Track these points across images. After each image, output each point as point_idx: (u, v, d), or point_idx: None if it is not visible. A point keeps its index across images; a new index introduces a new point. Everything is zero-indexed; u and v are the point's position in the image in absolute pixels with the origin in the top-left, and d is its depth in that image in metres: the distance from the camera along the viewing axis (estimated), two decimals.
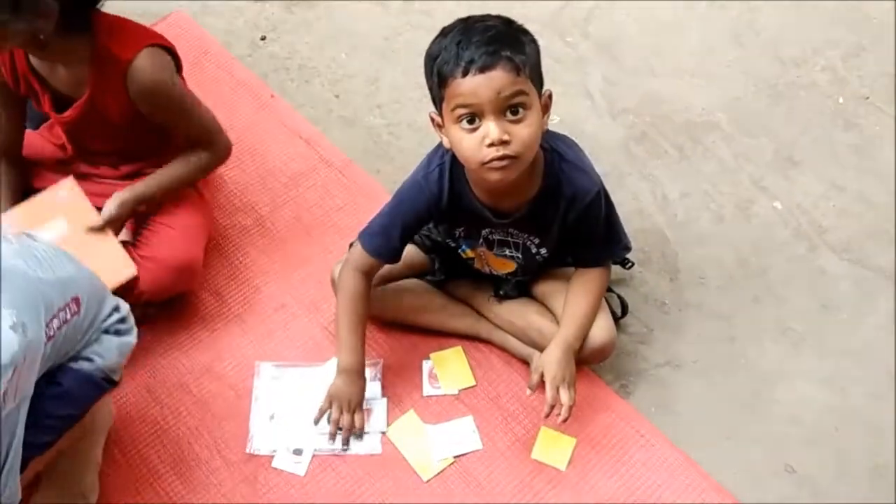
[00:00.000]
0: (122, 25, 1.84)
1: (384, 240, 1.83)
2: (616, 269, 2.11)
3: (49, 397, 1.49)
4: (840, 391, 2.00)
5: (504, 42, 1.53)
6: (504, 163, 1.57)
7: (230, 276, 2.16)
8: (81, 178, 1.98)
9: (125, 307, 1.66)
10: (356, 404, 1.88)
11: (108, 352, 1.60)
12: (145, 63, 1.81)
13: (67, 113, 1.89)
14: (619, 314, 2.04)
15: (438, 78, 1.58)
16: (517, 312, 1.96)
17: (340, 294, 1.88)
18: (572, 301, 1.86)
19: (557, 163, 1.73)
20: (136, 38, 1.84)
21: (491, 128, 1.54)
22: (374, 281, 1.92)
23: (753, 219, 2.29)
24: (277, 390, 1.97)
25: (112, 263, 1.86)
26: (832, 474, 1.88)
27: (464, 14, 2.81)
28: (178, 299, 2.10)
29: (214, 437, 1.91)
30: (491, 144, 1.55)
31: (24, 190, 2.00)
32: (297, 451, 1.88)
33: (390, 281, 1.97)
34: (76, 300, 1.48)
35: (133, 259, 1.93)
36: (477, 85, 1.52)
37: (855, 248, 2.22)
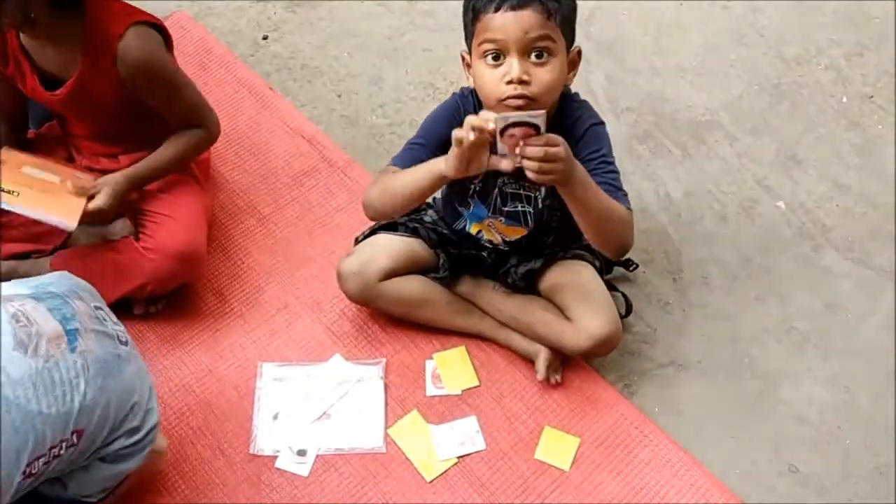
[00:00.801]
0: (111, 3, 1.84)
1: (417, 153, 1.77)
2: (619, 270, 2.11)
3: None
4: (844, 390, 1.99)
5: None
6: (520, 102, 1.59)
7: (232, 275, 2.16)
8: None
9: (148, 424, 1.52)
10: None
11: (90, 483, 1.48)
12: (134, 40, 1.81)
13: (59, 91, 1.88)
14: (623, 313, 2.04)
15: (472, 13, 1.62)
16: (522, 308, 1.96)
17: (387, 184, 1.75)
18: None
19: (570, 103, 1.76)
20: (125, 15, 1.84)
21: (513, 65, 1.58)
22: (379, 276, 1.92)
23: (757, 218, 2.28)
24: (280, 390, 1.96)
25: (64, 209, 1.85)
26: (836, 474, 1.88)
27: None
28: (181, 299, 2.10)
29: (217, 437, 1.91)
30: (510, 82, 1.58)
31: None
32: (301, 452, 1.88)
33: (395, 276, 1.97)
34: (78, 433, 1.37)
35: (137, 251, 1.95)
36: (506, 21, 1.57)
37: (858, 248, 2.22)
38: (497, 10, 1.57)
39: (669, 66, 2.61)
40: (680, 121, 2.48)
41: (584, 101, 1.83)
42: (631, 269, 2.10)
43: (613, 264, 2.08)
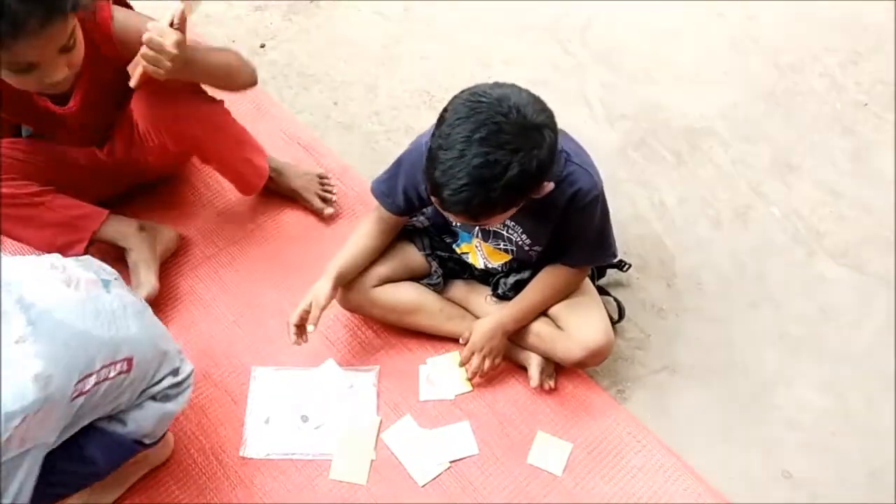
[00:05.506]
0: None
1: (389, 188, 1.89)
2: (613, 272, 2.12)
3: (68, 458, 1.47)
4: (838, 396, 1.99)
5: (476, 198, 1.53)
6: None
7: (228, 281, 2.17)
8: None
9: (186, 370, 1.65)
10: (320, 301, 1.88)
11: (144, 420, 1.59)
12: (122, 15, 1.81)
13: (70, 103, 1.89)
14: (616, 318, 2.04)
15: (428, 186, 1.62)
16: None
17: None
18: (528, 289, 1.91)
19: (564, 163, 1.74)
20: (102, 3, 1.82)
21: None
22: (373, 282, 1.94)
23: (751, 224, 2.29)
24: (273, 394, 1.97)
25: None
26: (830, 479, 1.87)
27: (461, 23, 2.84)
28: (176, 304, 2.10)
29: (211, 441, 1.91)
30: None
31: None
32: (293, 454, 1.88)
33: (388, 282, 1.97)
34: (128, 360, 1.48)
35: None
36: (446, 212, 1.63)
37: (852, 254, 2.22)
38: (441, 206, 1.60)
39: (665, 73, 2.62)
40: (675, 128, 2.49)
41: (585, 164, 1.78)
42: (624, 269, 2.10)
43: (606, 266, 2.09)
